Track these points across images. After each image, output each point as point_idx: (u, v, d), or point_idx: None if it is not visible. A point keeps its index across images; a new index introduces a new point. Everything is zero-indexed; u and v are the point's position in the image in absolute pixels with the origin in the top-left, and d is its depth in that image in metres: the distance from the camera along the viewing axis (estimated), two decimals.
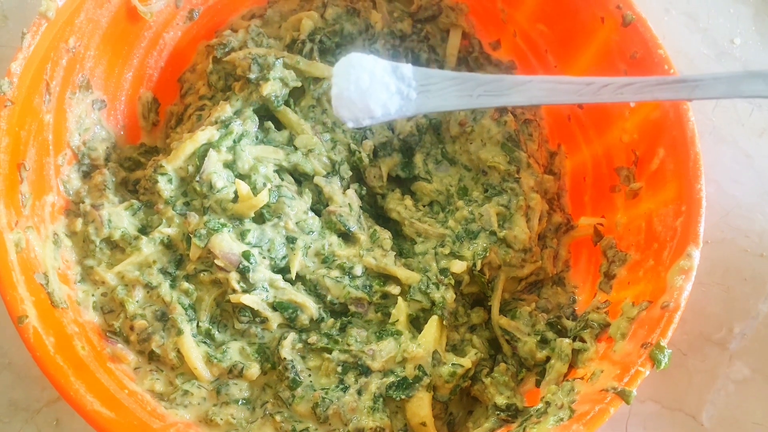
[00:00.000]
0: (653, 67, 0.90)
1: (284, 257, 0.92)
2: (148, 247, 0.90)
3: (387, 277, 0.94)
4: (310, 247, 0.94)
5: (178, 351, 0.86)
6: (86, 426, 0.94)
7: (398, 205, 1.01)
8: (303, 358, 0.89)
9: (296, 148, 0.99)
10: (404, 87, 0.70)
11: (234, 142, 0.94)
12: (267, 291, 0.89)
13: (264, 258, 0.91)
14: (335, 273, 0.93)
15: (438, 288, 0.92)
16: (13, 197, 0.82)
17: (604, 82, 0.74)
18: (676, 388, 1.02)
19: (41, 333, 0.76)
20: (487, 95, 0.73)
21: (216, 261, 0.88)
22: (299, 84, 1.02)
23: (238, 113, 0.98)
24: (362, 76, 0.72)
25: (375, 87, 0.70)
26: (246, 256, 0.88)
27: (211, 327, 0.89)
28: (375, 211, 1.04)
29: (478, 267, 0.93)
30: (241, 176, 0.94)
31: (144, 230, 0.93)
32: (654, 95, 0.75)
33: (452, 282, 0.92)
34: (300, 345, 0.89)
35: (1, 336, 1.00)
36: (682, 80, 0.75)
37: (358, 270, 0.93)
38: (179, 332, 0.87)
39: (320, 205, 0.98)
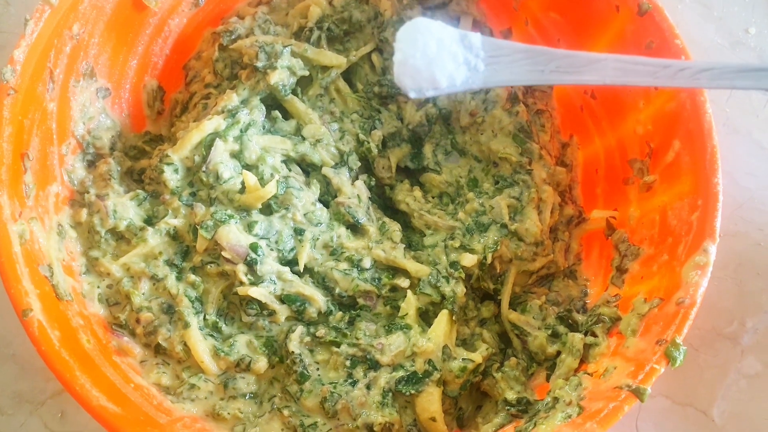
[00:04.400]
0: (669, 57, 0.88)
1: (292, 249, 0.91)
2: (154, 239, 0.88)
3: (396, 270, 0.93)
4: (318, 239, 0.92)
5: (185, 344, 0.85)
6: (91, 418, 0.94)
7: (407, 197, 0.99)
8: (311, 351, 0.88)
9: (304, 138, 0.97)
10: (472, 57, 0.65)
11: (241, 131, 0.93)
12: (275, 283, 0.88)
13: (272, 250, 0.89)
14: (343, 265, 0.91)
15: (448, 282, 0.90)
16: (16, 188, 0.80)
17: (681, 65, 0.70)
18: (687, 384, 1.00)
19: (46, 326, 0.75)
20: (558, 71, 0.68)
21: (223, 253, 0.86)
22: (307, 73, 1.00)
23: (244, 102, 0.96)
24: (430, 43, 0.66)
25: (442, 56, 0.65)
26: (253, 248, 0.87)
27: (217, 320, 0.88)
28: (383, 202, 1.03)
29: (489, 260, 0.91)
30: (248, 166, 0.92)
31: (150, 221, 0.91)
32: (733, 83, 0.69)
33: (462, 275, 0.91)
34: (308, 338, 0.88)
35: (5, 327, 0.99)
36: (764, 69, 0.70)
37: (366, 262, 0.92)
38: (186, 325, 0.85)
39: (328, 196, 0.97)
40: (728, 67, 0.71)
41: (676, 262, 0.82)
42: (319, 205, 0.94)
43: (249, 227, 0.89)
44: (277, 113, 0.98)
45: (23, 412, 0.96)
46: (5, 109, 0.80)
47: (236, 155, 0.92)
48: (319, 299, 0.89)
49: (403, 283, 0.91)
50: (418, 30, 0.69)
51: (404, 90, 0.70)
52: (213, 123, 0.91)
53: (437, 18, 1.05)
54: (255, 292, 0.86)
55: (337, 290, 0.91)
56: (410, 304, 0.89)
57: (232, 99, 0.94)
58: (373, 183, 1.00)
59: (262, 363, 0.86)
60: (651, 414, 0.99)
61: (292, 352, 0.86)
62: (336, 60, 1.01)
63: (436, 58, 0.65)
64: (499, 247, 0.92)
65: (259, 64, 0.96)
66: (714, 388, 1.00)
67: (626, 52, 0.93)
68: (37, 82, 0.85)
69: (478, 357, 0.86)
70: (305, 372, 0.86)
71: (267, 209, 0.91)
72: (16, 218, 0.79)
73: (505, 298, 0.93)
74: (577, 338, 0.86)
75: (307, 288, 0.89)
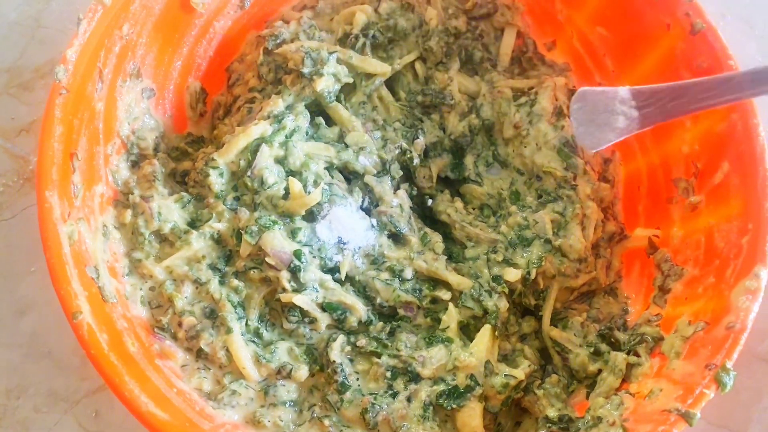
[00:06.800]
0: None
1: (334, 257, 0.90)
2: (198, 242, 0.88)
3: (437, 282, 0.93)
4: (360, 247, 0.92)
5: (227, 350, 0.85)
6: (125, 418, 0.94)
7: (448, 208, 0.99)
8: (351, 361, 0.88)
9: (347, 146, 0.97)
10: (626, 108, 0.75)
11: (286, 137, 0.92)
12: (317, 291, 0.88)
13: (314, 257, 0.89)
14: (385, 275, 0.91)
15: (491, 296, 0.90)
16: (66, 188, 0.80)
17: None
18: (722, 405, 1.00)
19: (95, 330, 0.74)
20: (697, 100, 0.76)
21: (267, 259, 0.86)
22: (351, 80, 1.00)
23: (290, 108, 0.95)
24: (597, 106, 0.78)
25: (605, 115, 0.76)
26: (297, 255, 0.87)
27: (259, 326, 0.88)
28: (422, 212, 1.02)
29: (533, 276, 0.91)
30: (291, 172, 0.92)
31: (193, 224, 0.91)
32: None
33: (506, 290, 0.90)
34: (348, 348, 0.88)
35: (40, 324, 0.99)
36: None
37: (408, 273, 0.91)
38: (228, 330, 0.85)
39: (370, 204, 0.96)
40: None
41: (725, 285, 0.81)
42: (362, 214, 0.94)
43: (292, 234, 0.88)
44: (320, 120, 0.98)
45: (58, 410, 0.95)
46: (57, 108, 0.80)
47: (280, 161, 0.92)
48: (360, 308, 0.89)
49: (445, 295, 0.91)
50: (584, 99, 0.81)
51: (586, 147, 0.84)
52: (260, 128, 0.91)
53: (481, 25, 1.07)
54: (299, 299, 0.86)
55: (378, 300, 0.90)
56: (452, 317, 0.89)
57: (278, 104, 0.94)
58: (414, 192, 1.00)
59: (303, 371, 0.85)
60: None
61: (334, 361, 0.86)
62: (381, 68, 1.00)
63: (602, 117, 0.77)
64: (543, 263, 0.91)
65: (305, 70, 0.96)
66: (749, 410, 1.00)
67: (675, 72, 0.93)
68: (87, 81, 0.84)
69: (520, 373, 0.85)
70: (346, 382, 0.85)
71: (310, 216, 0.91)
72: (66, 219, 0.79)
73: (547, 315, 0.92)
74: (620, 357, 0.85)
75: (348, 297, 0.89)
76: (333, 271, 0.90)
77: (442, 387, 0.84)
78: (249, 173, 0.90)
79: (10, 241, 1.02)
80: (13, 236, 1.03)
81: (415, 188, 1.01)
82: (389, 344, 0.88)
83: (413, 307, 0.91)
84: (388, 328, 0.90)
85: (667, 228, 0.94)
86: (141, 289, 0.87)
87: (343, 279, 0.90)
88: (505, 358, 0.90)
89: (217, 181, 0.90)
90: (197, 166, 0.93)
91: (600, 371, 0.88)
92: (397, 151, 0.99)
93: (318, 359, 0.88)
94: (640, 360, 0.85)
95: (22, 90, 1.10)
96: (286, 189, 0.90)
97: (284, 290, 0.87)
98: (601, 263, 0.96)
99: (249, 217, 0.88)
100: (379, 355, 0.87)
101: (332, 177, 0.95)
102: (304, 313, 0.88)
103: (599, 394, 0.86)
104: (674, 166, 0.95)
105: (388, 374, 0.86)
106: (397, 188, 0.98)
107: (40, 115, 0.88)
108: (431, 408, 0.84)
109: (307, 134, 0.96)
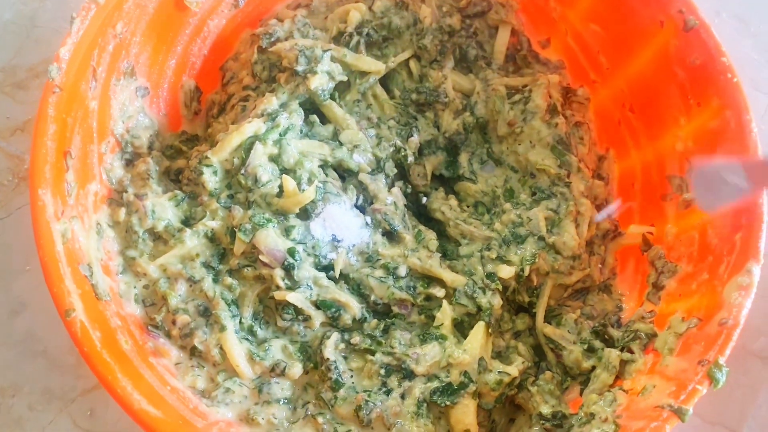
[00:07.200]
0: (714, 75, 0.88)
1: (328, 255, 0.90)
2: (192, 240, 0.88)
3: (431, 279, 0.93)
4: (354, 245, 0.92)
5: (221, 347, 0.85)
6: (120, 417, 0.94)
7: (443, 205, 0.99)
8: (345, 358, 0.88)
9: (341, 144, 0.97)
10: (737, 179, 0.80)
11: (280, 135, 0.93)
12: (311, 289, 0.88)
13: (308, 255, 0.89)
14: (379, 273, 0.91)
15: (484, 293, 0.90)
16: (59, 186, 0.80)
17: None
18: (717, 402, 1.00)
19: (88, 327, 0.74)
20: None
21: (261, 257, 0.86)
22: (345, 78, 1.00)
23: (283, 106, 0.96)
24: (713, 180, 0.83)
25: (721, 185, 0.81)
26: (291, 252, 0.87)
27: (253, 323, 0.88)
28: (417, 209, 1.02)
29: (527, 273, 0.91)
30: (285, 170, 0.92)
31: (187, 222, 0.91)
32: None
33: (500, 287, 0.90)
34: (342, 345, 0.88)
35: (36, 323, 0.99)
36: None
37: (402, 270, 0.91)
38: (222, 328, 0.85)
39: (364, 202, 0.97)
40: None
41: (718, 282, 0.81)
42: (356, 211, 0.94)
43: (286, 231, 0.89)
44: (315, 118, 0.98)
45: (53, 409, 0.95)
46: (50, 107, 0.80)
47: (274, 159, 0.92)
48: (354, 306, 0.89)
49: (439, 292, 0.91)
50: (701, 173, 0.87)
51: (706, 211, 0.88)
52: (253, 126, 0.91)
53: (475, 23, 1.07)
54: (293, 297, 0.86)
55: (372, 297, 0.90)
56: (446, 315, 0.89)
57: (271, 102, 0.94)
58: (408, 190, 1.00)
59: (297, 369, 0.85)
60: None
61: (328, 358, 0.86)
62: (375, 66, 1.00)
63: (718, 186, 0.83)
64: (537, 260, 0.91)
65: (299, 68, 0.96)
66: (745, 407, 1.00)
67: (668, 68, 0.93)
68: (80, 80, 0.84)
69: (514, 370, 0.85)
70: (339, 379, 0.85)
71: (304, 214, 0.91)
72: (59, 217, 0.79)
73: (540, 312, 0.92)
74: (614, 354, 0.85)
75: (342, 294, 0.89)
76: (327, 268, 0.90)
77: (435, 384, 0.84)
78: (243, 171, 0.90)
79: (5, 240, 1.03)
80: (8, 235, 1.03)
81: (410, 186, 1.01)
82: (383, 342, 0.88)
83: (407, 305, 0.91)
84: (382, 326, 0.90)
85: (661, 225, 0.95)
86: (135, 287, 0.87)
87: (337, 277, 0.90)
88: (499, 355, 0.90)
89: (210, 179, 0.90)
90: (191, 164, 0.93)
91: (594, 368, 0.88)
92: (391, 149, 0.99)
93: (312, 357, 0.88)
94: (633, 357, 0.85)
95: (17, 89, 1.10)
96: (280, 187, 0.90)
97: (278, 288, 0.87)
98: (595, 260, 0.96)
99: (243, 215, 0.88)
100: (373, 353, 0.87)
101: (326, 175, 0.95)
102: (298, 310, 0.88)
103: (593, 390, 0.86)
104: (668, 163, 0.95)
105: (382, 371, 0.86)
106: (391, 186, 0.99)
107: (35, 114, 0.88)
108: (425, 405, 0.84)
109: (301, 132, 0.96)
